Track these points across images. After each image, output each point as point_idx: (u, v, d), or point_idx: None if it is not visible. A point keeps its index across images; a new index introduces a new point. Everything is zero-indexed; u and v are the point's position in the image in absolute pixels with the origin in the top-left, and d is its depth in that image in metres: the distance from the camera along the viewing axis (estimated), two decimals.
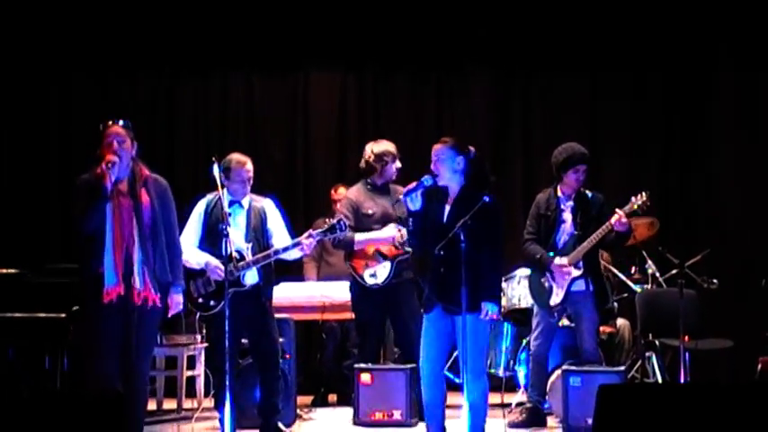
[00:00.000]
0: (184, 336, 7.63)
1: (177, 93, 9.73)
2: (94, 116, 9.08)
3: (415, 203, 5.73)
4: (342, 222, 6.40)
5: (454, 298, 5.57)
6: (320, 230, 6.40)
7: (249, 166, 6.47)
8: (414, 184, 5.77)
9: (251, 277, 6.37)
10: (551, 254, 6.78)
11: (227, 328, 5.74)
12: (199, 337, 7.66)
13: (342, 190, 8.36)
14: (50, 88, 9.53)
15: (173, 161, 9.48)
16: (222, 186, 6.15)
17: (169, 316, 5.90)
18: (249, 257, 6.33)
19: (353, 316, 7.15)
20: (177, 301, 5.81)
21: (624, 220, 6.58)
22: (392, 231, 6.79)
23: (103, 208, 5.58)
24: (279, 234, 6.54)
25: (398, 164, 6.95)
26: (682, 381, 7.20)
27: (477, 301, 5.58)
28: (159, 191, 5.73)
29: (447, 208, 5.76)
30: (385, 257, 6.80)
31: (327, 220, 6.61)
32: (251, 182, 6.46)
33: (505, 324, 7.78)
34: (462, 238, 5.51)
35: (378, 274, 6.80)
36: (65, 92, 9.56)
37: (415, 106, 9.69)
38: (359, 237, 6.82)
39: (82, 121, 9.25)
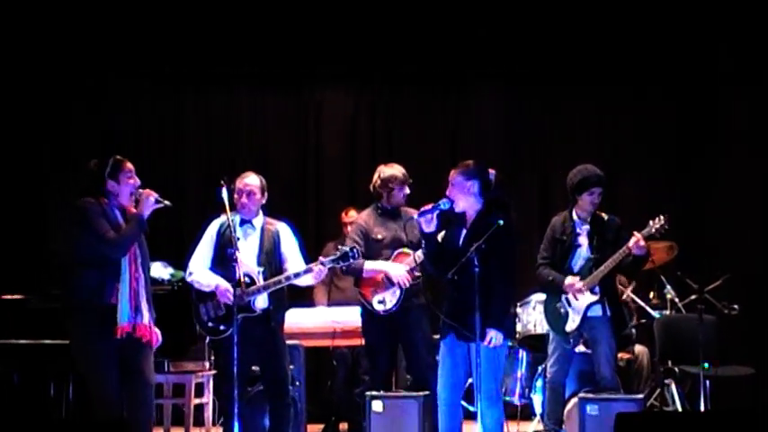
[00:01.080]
0: (192, 362, 7.52)
1: (183, 112, 9.77)
2: (98, 137, 9.26)
3: (429, 225, 5.83)
4: (355, 250, 6.42)
5: (467, 323, 5.68)
6: (332, 258, 6.43)
7: (250, 180, 6.48)
8: (430, 205, 5.87)
9: (261, 302, 6.36)
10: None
11: (234, 354, 5.85)
12: (207, 364, 7.61)
13: (353, 213, 8.36)
14: (51, 108, 9.51)
15: (181, 182, 9.49)
16: (231, 209, 6.21)
17: (154, 348, 5.94)
18: (260, 282, 6.33)
19: (363, 341, 7.10)
20: (157, 331, 5.90)
21: (642, 243, 6.54)
22: (402, 270, 6.72)
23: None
24: (293, 259, 6.52)
25: (407, 190, 6.90)
26: (702, 409, 7.19)
27: (484, 328, 5.68)
28: None
29: (464, 232, 5.85)
30: (393, 284, 6.73)
31: (339, 246, 6.63)
32: (256, 196, 6.45)
33: (521, 350, 7.77)
34: (476, 262, 5.61)
35: (386, 300, 6.77)
36: (67, 112, 9.55)
37: (426, 121, 9.72)
38: (368, 265, 6.78)
39: (85, 143, 9.30)
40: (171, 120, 9.77)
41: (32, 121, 9.49)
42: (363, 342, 7.07)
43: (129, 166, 5.80)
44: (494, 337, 5.72)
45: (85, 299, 5.59)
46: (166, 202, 5.80)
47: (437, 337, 6.19)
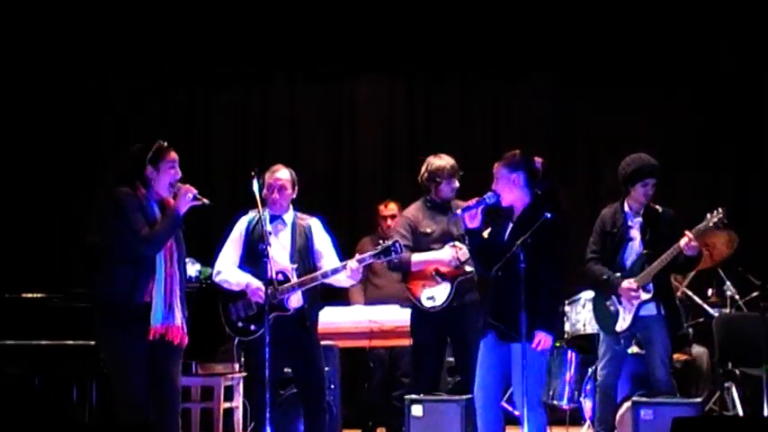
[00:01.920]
0: (221, 365, 7.50)
1: (213, 101, 9.83)
2: (125, 132, 9.32)
3: (474, 221, 5.83)
4: (397, 244, 6.36)
5: (511, 322, 5.67)
6: (372, 253, 6.38)
7: (282, 174, 6.45)
8: (474, 200, 5.86)
9: (295, 300, 6.34)
10: (618, 274, 6.69)
11: (266, 356, 5.82)
12: (237, 366, 7.58)
13: (392, 206, 8.36)
14: (77, 102, 9.64)
15: (210, 175, 9.51)
16: (263, 204, 6.22)
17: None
18: (294, 279, 6.31)
19: (409, 341, 7.09)
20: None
21: (694, 243, 6.47)
22: (451, 252, 6.78)
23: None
24: (328, 256, 6.49)
25: (456, 183, 6.89)
26: (765, 414, 7.12)
27: (532, 329, 5.67)
28: None
29: (510, 226, 5.84)
30: (444, 278, 6.75)
31: (381, 241, 6.56)
32: (287, 191, 6.43)
33: (569, 351, 7.70)
34: (521, 258, 5.59)
35: (436, 296, 6.75)
36: (93, 106, 9.65)
37: (469, 113, 9.71)
38: (416, 257, 6.76)
39: (110, 137, 9.43)
40: (198, 110, 9.80)
41: (53, 119, 9.61)
42: (411, 342, 7.04)
43: (174, 155, 5.70)
44: (542, 339, 5.71)
45: (117, 296, 5.56)
46: (205, 201, 5.72)
47: None
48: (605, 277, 6.70)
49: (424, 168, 6.93)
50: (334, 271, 6.33)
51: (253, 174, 6.16)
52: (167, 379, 5.69)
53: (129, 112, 9.65)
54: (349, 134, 9.82)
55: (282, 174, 6.46)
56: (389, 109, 9.83)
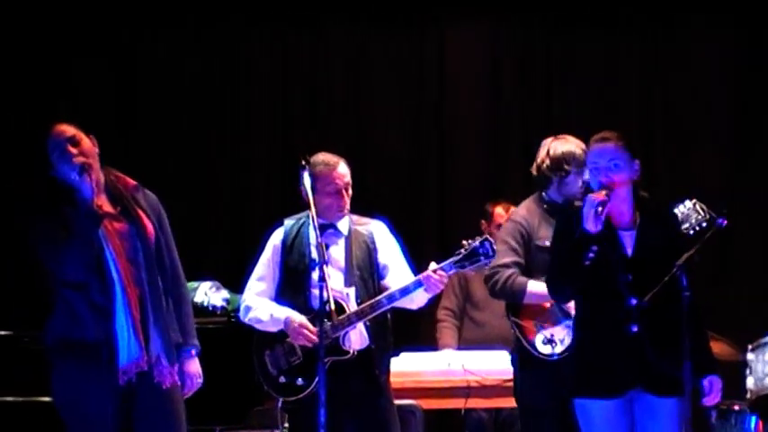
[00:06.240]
0: None
1: (242, 57, 9.88)
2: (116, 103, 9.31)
3: (598, 222, 5.80)
4: (487, 243, 6.36)
5: (666, 374, 5.69)
6: (455, 259, 6.32)
7: (342, 169, 6.49)
8: (603, 193, 5.86)
9: (357, 339, 6.32)
10: None
11: (322, 419, 5.78)
12: None
13: (500, 210, 8.40)
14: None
15: (240, 165, 9.62)
16: (315, 204, 6.25)
17: (185, 396, 5.74)
18: (352, 309, 6.30)
19: (516, 403, 6.96)
20: (195, 372, 5.74)
21: None
22: None
23: (96, 236, 5.46)
24: (396, 271, 6.49)
25: (586, 174, 6.54)
26: None
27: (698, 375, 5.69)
28: (154, 208, 5.74)
29: (630, 234, 5.88)
30: (567, 315, 6.59)
31: (467, 241, 6.46)
32: (349, 194, 6.49)
33: (752, 418, 7.59)
34: (685, 282, 5.61)
35: (557, 339, 6.61)
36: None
37: (609, 74, 9.69)
38: (534, 287, 6.58)
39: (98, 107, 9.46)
40: (224, 75, 9.86)
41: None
42: (516, 404, 6.95)
43: (60, 131, 5.48)
44: (715, 385, 5.78)
45: (63, 334, 5.51)
46: (87, 160, 5.47)
47: None
48: None
49: (543, 153, 6.82)
50: (405, 292, 6.32)
51: (303, 162, 6.29)
52: None
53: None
54: (434, 101, 9.82)
55: (345, 168, 6.52)
56: (494, 67, 9.83)
